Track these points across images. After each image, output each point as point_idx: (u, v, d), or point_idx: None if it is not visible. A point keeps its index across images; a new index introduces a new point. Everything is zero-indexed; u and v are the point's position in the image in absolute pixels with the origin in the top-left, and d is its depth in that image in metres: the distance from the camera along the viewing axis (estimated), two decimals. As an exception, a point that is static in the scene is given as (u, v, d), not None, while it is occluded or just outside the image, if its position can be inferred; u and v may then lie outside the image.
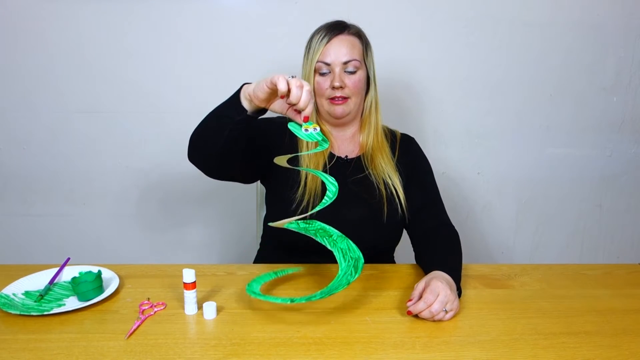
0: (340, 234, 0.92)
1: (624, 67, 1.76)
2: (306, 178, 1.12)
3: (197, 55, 1.66)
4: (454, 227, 1.15)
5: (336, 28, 1.13)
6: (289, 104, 0.86)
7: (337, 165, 1.17)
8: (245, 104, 0.92)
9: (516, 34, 1.70)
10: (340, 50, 1.11)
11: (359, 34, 1.16)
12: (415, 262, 1.13)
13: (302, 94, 0.83)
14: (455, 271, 0.97)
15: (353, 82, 1.12)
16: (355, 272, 0.84)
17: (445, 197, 1.22)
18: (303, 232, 0.92)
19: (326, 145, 0.87)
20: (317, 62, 1.11)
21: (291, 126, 0.89)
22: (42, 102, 1.68)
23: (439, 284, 0.88)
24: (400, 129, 1.30)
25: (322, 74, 1.12)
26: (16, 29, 1.62)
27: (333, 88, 1.11)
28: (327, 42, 1.11)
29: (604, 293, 1.00)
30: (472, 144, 1.80)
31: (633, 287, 1.04)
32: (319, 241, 0.91)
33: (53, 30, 1.62)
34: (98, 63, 1.65)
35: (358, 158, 1.19)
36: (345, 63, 1.11)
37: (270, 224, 0.92)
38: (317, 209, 0.87)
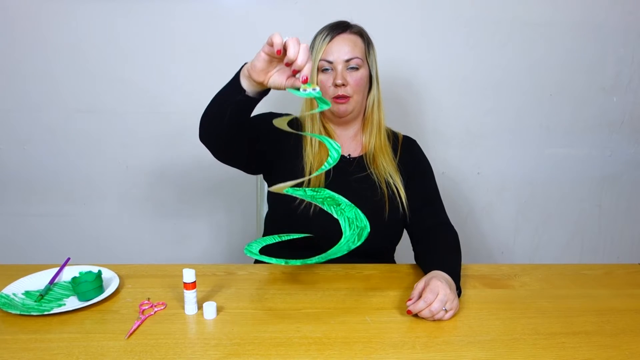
0: (349, 203, 0.87)
1: (624, 67, 1.76)
2: (310, 175, 1.13)
3: (197, 55, 1.66)
4: (453, 227, 1.15)
5: (338, 27, 1.14)
6: (287, 64, 0.82)
7: (340, 164, 1.17)
8: (244, 83, 0.90)
9: (516, 34, 1.70)
10: (342, 48, 1.12)
11: (360, 33, 1.17)
12: (415, 262, 1.13)
13: (299, 50, 0.79)
14: (454, 271, 0.98)
15: (355, 79, 1.13)
16: (358, 240, 0.81)
17: (445, 197, 1.22)
18: (309, 200, 0.88)
19: (326, 106, 0.81)
20: (320, 60, 1.12)
21: (290, 90, 0.84)
22: (42, 102, 1.68)
23: (438, 283, 0.88)
24: (401, 128, 1.30)
25: (325, 73, 1.13)
26: (16, 29, 1.62)
27: (336, 86, 1.12)
28: (330, 40, 1.12)
29: (604, 293, 1.00)
30: (472, 144, 1.80)
31: (633, 287, 1.04)
32: (326, 209, 0.88)
33: (53, 30, 1.62)
34: (98, 63, 1.65)
35: (360, 157, 1.20)
36: (347, 61, 1.12)
37: (270, 188, 0.86)
38: (317, 173, 0.85)
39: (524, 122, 1.79)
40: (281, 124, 0.84)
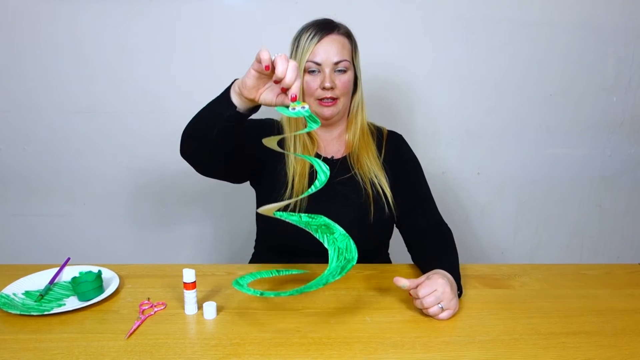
0: (343, 232, 0.87)
1: (624, 67, 1.76)
2: (293, 180, 1.12)
3: (197, 55, 1.66)
4: (447, 225, 1.15)
5: (326, 27, 1.11)
6: (275, 81, 0.81)
7: None
8: (234, 99, 0.89)
9: (516, 34, 1.70)
10: (331, 50, 1.09)
11: (348, 34, 1.14)
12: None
13: (287, 68, 0.79)
14: (455, 271, 0.97)
15: (343, 82, 1.11)
16: (340, 273, 0.80)
17: (445, 197, 1.22)
18: (303, 226, 0.88)
19: (315, 126, 0.81)
20: (307, 61, 1.09)
21: (279, 109, 0.84)
22: (42, 102, 1.68)
23: (439, 280, 0.88)
24: (400, 129, 1.29)
25: (312, 74, 1.11)
26: (16, 29, 1.62)
27: (323, 89, 1.10)
28: (318, 41, 1.09)
29: (604, 293, 1.00)
30: (472, 144, 1.80)
31: (633, 287, 1.04)
32: (317, 237, 0.87)
33: (53, 30, 1.62)
34: (98, 63, 1.65)
35: (344, 158, 1.19)
36: (336, 63, 1.10)
37: (259, 210, 0.86)
38: (304, 195, 0.83)
39: (524, 122, 1.79)
40: (271, 143, 0.84)
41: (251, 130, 1.11)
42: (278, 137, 0.85)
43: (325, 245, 0.85)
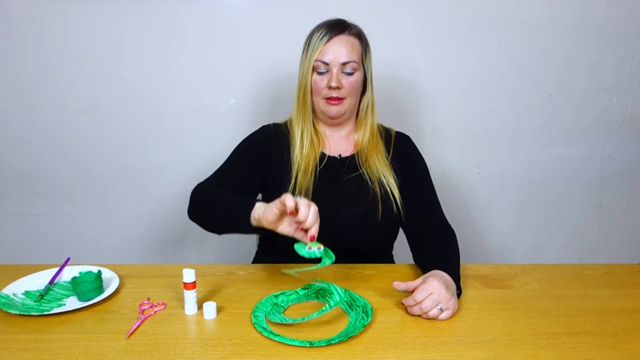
0: (340, 289, 0.89)
1: (624, 67, 1.76)
2: (297, 175, 1.13)
3: (197, 55, 1.66)
4: (450, 226, 1.15)
5: (337, 27, 1.12)
6: (297, 222, 0.87)
7: (330, 165, 1.17)
8: (254, 222, 0.93)
9: (516, 34, 1.70)
10: (339, 50, 1.10)
11: (359, 35, 1.15)
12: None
13: (309, 213, 0.84)
14: (454, 271, 0.97)
15: (350, 83, 1.12)
16: (367, 317, 0.86)
17: (445, 197, 1.21)
18: (305, 299, 0.96)
19: (329, 262, 0.87)
20: (316, 60, 1.11)
21: (296, 247, 0.90)
22: (42, 102, 1.68)
23: (435, 282, 0.88)
24: (400, 128, 1.29)
25: (320, 73, 1.12)
26: (16, 29, 1.62)
27: (330, 88, 1.11)
28: (327, 41, 1.10)
29: (604, 293, 1.00)
30: (472, 143, 1.80)
31: (633, 287, 1.04)
32: (322, 301, 0.95)
33: (53, 30, 1.62)
34: (98, 63, 1.65)
35: (352, 157, 1.19)
36: (344, 64, 1.10)
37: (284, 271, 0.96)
38: (317, 314, 0.86)
39: (524, 122, 1.79)
40: (291, 272, 0.92)
41: (250, 158, 1.17)
42: (294, 270, 0.92)
43: (331, 305, 0.86)
